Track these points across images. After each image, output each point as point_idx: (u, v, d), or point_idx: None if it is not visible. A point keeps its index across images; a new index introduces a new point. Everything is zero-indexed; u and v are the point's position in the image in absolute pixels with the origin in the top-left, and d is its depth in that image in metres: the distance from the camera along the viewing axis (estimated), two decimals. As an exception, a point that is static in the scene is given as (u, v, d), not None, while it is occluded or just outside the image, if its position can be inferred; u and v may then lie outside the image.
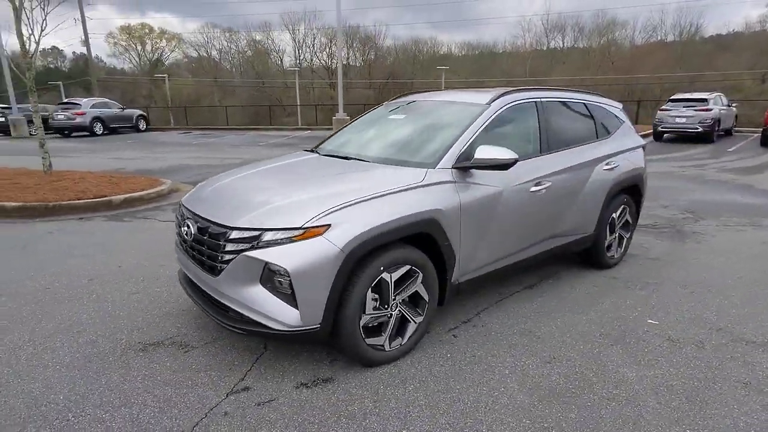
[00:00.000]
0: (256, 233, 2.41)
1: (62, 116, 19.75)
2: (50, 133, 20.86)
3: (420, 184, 2.80)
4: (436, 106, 3.73)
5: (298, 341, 2.68)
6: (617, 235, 4.38)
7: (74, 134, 20.31)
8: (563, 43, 52.21)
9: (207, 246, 2.61)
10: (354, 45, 58.23)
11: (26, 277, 4.06)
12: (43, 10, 7.35)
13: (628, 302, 3.64)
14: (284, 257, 2.35)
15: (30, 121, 20.91)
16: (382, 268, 2.57)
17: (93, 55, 36.97)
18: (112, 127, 21.33)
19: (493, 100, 3.39)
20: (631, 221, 4.49)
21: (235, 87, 54.03)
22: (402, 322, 2.81)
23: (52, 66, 65.98)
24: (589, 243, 4.12)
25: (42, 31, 7.44)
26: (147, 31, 65.10)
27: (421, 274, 2.78)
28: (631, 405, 2.41)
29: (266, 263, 2.38)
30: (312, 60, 59.28)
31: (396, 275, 2.66)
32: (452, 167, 2.96)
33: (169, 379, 2.59)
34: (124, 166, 11.38)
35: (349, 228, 2.43)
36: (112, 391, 2.48)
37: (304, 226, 2.39)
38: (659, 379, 2.64)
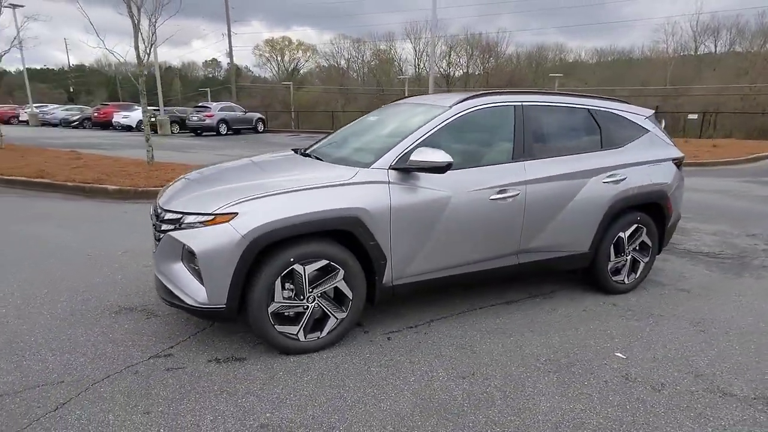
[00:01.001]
0: (179, 216, 2.69)
1: (195, 118, 22.81)
2: (186, 132, 24.23)
3: (347, 182, 2.86)
4: (408, 108, 3.71)
5: (208, 318, 2.90)
6: (628, 258, 3.88)
7: (204, 133, 23.27)
8: (715, 48, 45.98)
9: (153, 226, 2.97)
10: (474, 53, 57.85)
11: (79, 245, 4.91)
12: (154, 26, 8.67)
13: (610, 332, 3.24)
14: (195, 240, 2.60)
15: (173, 122, 24.49)
16: (292, 260, 2.69)
17: (243, 65, 42.00)
18: (235, 128, 24.00)
19: (457, 103, 3.29)
20: (650, 244, 3.94)
21: (358, 94, 57.01)
22: (322, 316, 2.89)
23: (210, 75, 76.19)
24: (585, 263, 3.73)
25: (152, 44, 8.79)
26: (287, 43, 72.03)
27: (342, 271, 2.83)
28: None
29: (183, 244, 2.65)
30: (429, 69, 59.97)
31: (311, 268, 2.75)
32: (389, 168, 2.95)
33: (117, 338, 3.00)
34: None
35: (254, 218, 2.59)
36: (70, 340, 2.95)
37: (214, 212, 2.61)
38: (574, 414, 2.35)
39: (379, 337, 3.12)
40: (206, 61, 79.53)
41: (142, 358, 2.76)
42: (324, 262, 2.78)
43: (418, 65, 58.11)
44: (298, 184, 2.80)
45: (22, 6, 23.66)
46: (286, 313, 2.80)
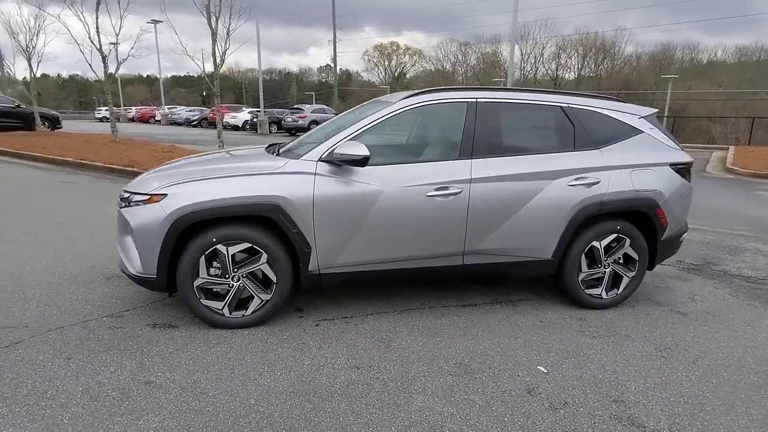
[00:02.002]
0: (128, 195, 3.07)
1: (290, 119, 24.53)
2: (282, 132, 26.08)
3: (274, 171, 3.03)
4: (371, 105, 3.75)
5: (144, 286, 3.20)
6: (607, 271, 3.52)
7: (298, 133, 24.87)
8: None
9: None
10: (587, 54, 54.27)
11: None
12: (228, 35, 9.61)
13: (551, 346, 3.00)
14: (134, 216, 2.95)
15: (272, 122, 26.51)
16: (215, 240, 2.92)
17: (354, 70, 44.19)
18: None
19: (402, 99, 3.28)
20: (636, 257, 3.53)
21: None
22: (248, 296, 3.08)
23: (323, 80, 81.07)
24: (549, 271, 3.47)
25: (225, 51, 9.75)
26: (395, 48, 74.12)
27: (265, 255, 3.01)
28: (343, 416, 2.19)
29: (127, 219, 3.02)
30: (536, 71, 57.69)
31: (234, 250, 2.97)
32: (318, 160, 3.06)
33: (91, 298, 3.48)
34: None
35: (179, 199, 2.87)
36: (56, 297, 3.49)
37: (149, 193, 2.95)
38: (440, 416, 2.27)
39: (309, 322, 3.23)
40: (321, 66, 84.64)
41: (97, 317, 3.19)
42: (246, 245, 2.98)
43: (524, 68, 56.09)
44: (230, 172, 3.04)
45: (161, 21, 27.41)
46: (214, 289, 3.05)
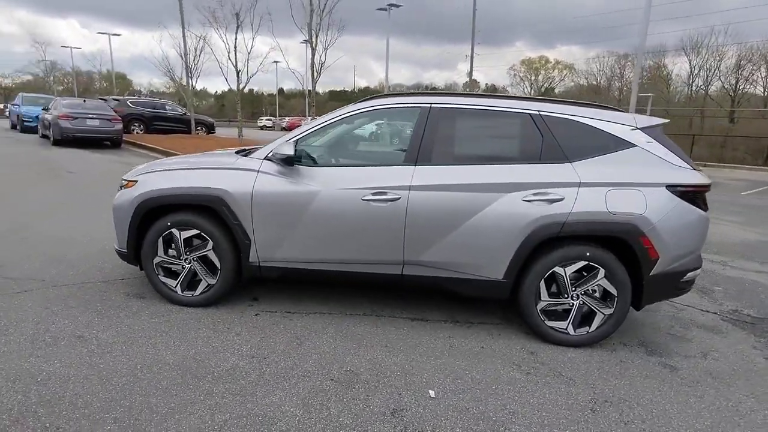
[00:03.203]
0: (122, 181, 3.62)
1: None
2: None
3: (224, 167, 3.30)
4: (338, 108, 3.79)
5: (121, 259, 3.65)
6: (575, 303, 3.05)
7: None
8: None
9: None
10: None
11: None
12: (325, 50, 10.40)
13: (468, 372, 2.73)
14: (117, 197, 3.47)
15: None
16: (170, 224, 3.29)
17: (501, 86, 43.77)
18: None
19: (360, 102, 3.30)
20: (614, 292, 2.99)
21: None
22: (194, 277, 3.38)
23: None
24: (500, 294, 3.14)
25: (322, 64, 10.55)
26: (543, 62, 71.37)
27: (210, 242, 3.29)
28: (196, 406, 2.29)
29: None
30: (709, 85, 50.24)
31: (185, 234, 3.30)
32: (263, 158, 3.25)
33: (104, 267, 4.13)
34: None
35: (144, 186, 3.31)
36: (85, 263, 4.22)
37: (127, 179, 3.44)
38: (283, 415, 2.26)
39: (253, 311, 3.41)
40: (465, 82, 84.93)
41: (94, 281, 3.79)
42: (196, 232, 3.29)
43: (692, 82, 49.06)
44: (192, 166, 3.39)
45: (308, 41, 30.53)
46: (173, 269, 3.42)
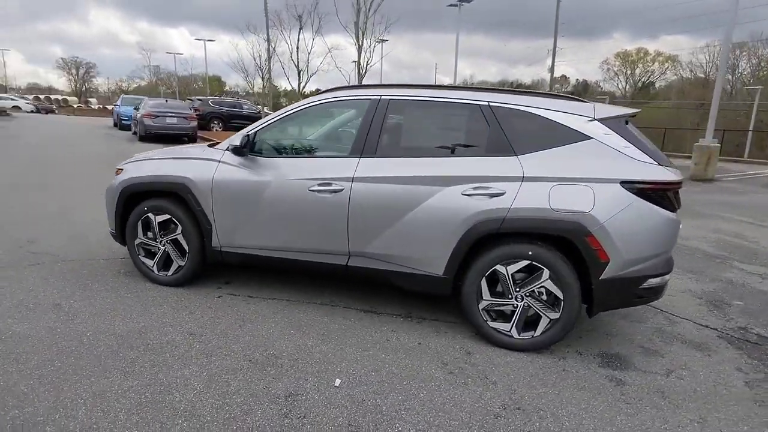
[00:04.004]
0: (116, 169, 3.99)
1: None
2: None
3: (192, 157, 3.53)
4: None
5: (114, 240, 4.00)
6: (520, 305, 2.88)
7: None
8: None
9: None
10: None
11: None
12: (371, 47, 10.49)
13: (388, 367, 2.70)
14: (109, 183, 3.85)
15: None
16: (146, 209, 3.59)
17: (593, 81, 41.20)
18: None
19: (318, 95, 3.36)
20: (561, 296, 2.78)
21: (727, 111, 46.68)
22: (168, 259, 3.65)
23: (558, 91, 77.09)
24: (441, 290, 3.04)
25: (368, 62, 10.67)
26: (642, 55, 65.99)
27: (180, 226, 3.53)
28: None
29: (110, 186, 3.94)
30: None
31: (159, 219, 3.57)
32: (225, 149, 3.42)
33: (113, 245, 4.58)
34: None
35: (126, 174, 3.64)
36: (97, 241, 4.71)
37: (118, 167, 3.80)
38: (177, 384, 2.40)
39: (220, 293, 3.61)
40: (555, 77, 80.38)
41: (99, 258, 4.23)
42: (167, 216, 3.55)
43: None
44: (168, 156, 3.67)
45: (386, 40, 30.88)
46: (151, 250, 3.72)
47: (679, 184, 2.73)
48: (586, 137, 2.79)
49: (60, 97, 67.61)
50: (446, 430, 2.18)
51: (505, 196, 2.78)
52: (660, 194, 2.69)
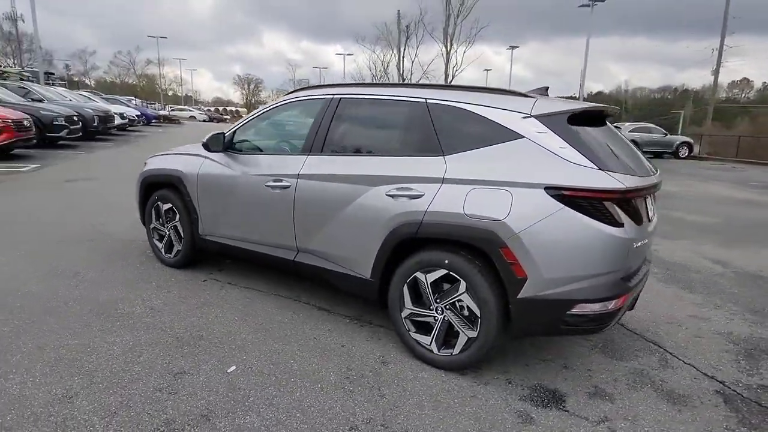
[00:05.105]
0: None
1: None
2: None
3: (188, 153, 3.92)
4: None
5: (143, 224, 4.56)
6: (440, 318, 2.63)
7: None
8: None
9: None
10: None
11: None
12: (463, 53, 10.27)
13: (292, 365, 2.70)
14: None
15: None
16: (156, 197, 4.10)
17: None
18: (651, 151, 21.65)
19: (285, 95, 3.49)
20: (478, 312, 2.47)
21: None
22: (171, 243, 4.10)
23: (735, 96, 65.45)
24: (368, 294, 2.93)
25: (456, 69, 10.44)
26: None
27: (178, 215, 3.96)
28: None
29: (145, 177, 4.56)
30: None
31: (164, 207, 4.05)
32: (209, 146, 3.74)
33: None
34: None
35: (146, 166, 4.20)
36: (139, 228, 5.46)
37: (144, 160, 4.39)
38: (95, 345, 2.72)
39: (204, 277, 3.95)
40: (733, 81, 68.15)
41: (137, 240, 4.89)
42: (170, 205, 4.01)
43: None
44: (173, 152, 4.13)
45: (517, 47, 29.96)
46: (162, 234, 4.22)
47: (619, 192, 2.24)
48: (518, 136, 2.45)
49: (234, 109, 78.90)
50: (290, 431, 2.13)
51: (423, 198, 2.59)
52: (594, 204, 2.24)
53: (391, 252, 2.74)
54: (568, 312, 2.32)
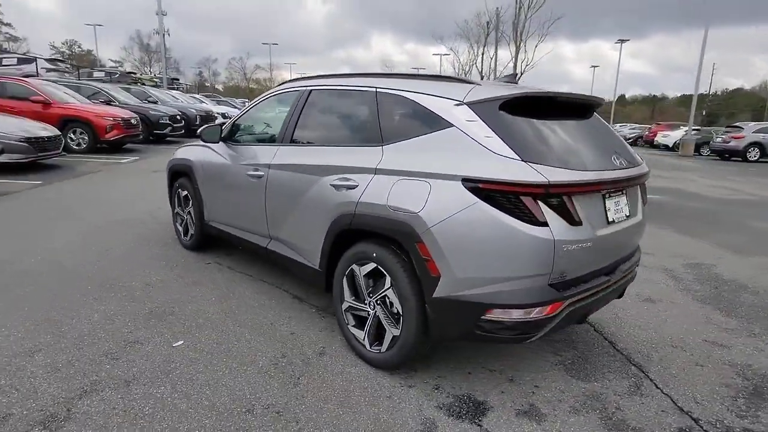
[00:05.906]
0: (181, 154, 5.03)
1: (719, 139, 19.53)
2: (711, 155, 21.22)
3: (199, 144, 4.22)
4: None
5: None
6: (372, 313, 2.55)
7: (732, 158, 19.50)
8: None
9: None
10: None
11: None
12: (534, 48, 9.72)
13: (235, 346, 2.81)
14: (172, 164, 4.91)
15: (704, 143, 21.96)
16: (177, 185, 4.49)
17: None
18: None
19: (274, 87, 3.62)
20: (400, 309, 2.36)
21: None
22: (188, 226, 4.45)
23: None
24: (317, 283, 2.92)
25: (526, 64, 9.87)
26: None
27: (191, 200, 4.30)
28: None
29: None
30: None
31: (182, 194, 4.42)
32: (212, 137, 4.00)
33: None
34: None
35: (173, 156, 4.60)
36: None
37: (174, 151, 4.82)
38: (78, 309, 3.06)
39: (211, 259, 4.23)
40: None
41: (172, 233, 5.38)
42: (186, 193, 4.36)
43: None
44: (193, 143, 4.47)
45: (627, 40, 27.43)
46: (181, 217, 4.59)
47: (539, 187, 1.98)
48: (447, 124, 2.29)
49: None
50: (196, 409, 2.21)
51: (356, 189, 2.53)
52: (510, 198, 2.01)
53: (332, 243, 2.72)
54: (482, 317, 2.12)
